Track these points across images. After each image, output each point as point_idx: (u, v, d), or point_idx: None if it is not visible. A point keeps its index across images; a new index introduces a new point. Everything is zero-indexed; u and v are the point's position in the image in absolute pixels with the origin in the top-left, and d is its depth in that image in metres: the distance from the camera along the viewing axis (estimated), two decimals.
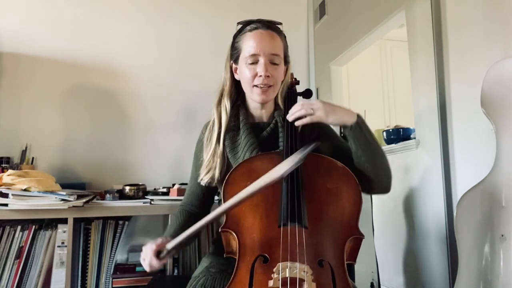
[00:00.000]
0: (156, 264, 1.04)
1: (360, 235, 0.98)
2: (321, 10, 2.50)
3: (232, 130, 1.21)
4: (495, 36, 1.49)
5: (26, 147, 1.90)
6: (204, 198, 1.29)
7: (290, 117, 1.11)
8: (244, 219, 0.98)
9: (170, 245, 1.01)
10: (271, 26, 1.18)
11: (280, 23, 1.22)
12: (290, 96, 1.26)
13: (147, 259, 1.05)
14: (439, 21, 1.73)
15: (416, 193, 1.87)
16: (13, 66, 1.96)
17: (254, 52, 1.14)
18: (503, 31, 1.46)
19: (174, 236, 1.04)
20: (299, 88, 1.35)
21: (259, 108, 1.23)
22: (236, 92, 1.25)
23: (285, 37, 1.22)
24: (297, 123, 1.10)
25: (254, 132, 1.19)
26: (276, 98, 1.25)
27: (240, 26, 1.21)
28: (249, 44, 1.15)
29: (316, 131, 1.22)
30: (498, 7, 1.49)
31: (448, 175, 1.66)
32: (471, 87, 1.54)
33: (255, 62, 1.14)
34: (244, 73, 1.17)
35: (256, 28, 1.16)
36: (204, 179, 1.19)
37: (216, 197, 1.71)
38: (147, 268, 1.06)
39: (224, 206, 0.92)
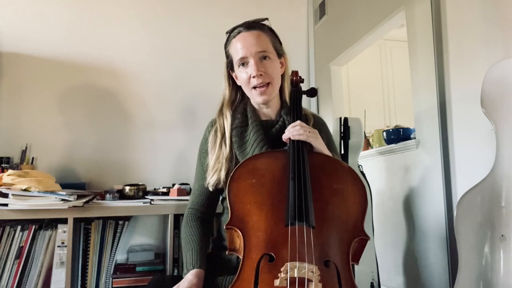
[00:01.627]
0: None
1: (366, 236, 0.98)
2: (321, 10, 2.50)
3: (240, 126, 1.21)
4: (495, 36, 1.49)
5: (26, 147, 1.90)
6: (212, 197, 1.28)
7: (294, 137, 1.11)
8: (249, 217, 0.98)
9: None
10: (252, 26, 1.19)
11: (266, 19, 1.23)
12: (296, 94, 1.27)
13: None
14: (439, 21, 1.73)
15: (416, 193, 1.87)
16: (13, 66, 1.95)
17: (242, 55, 1.16)
18: (503, 32, 1.46)
19: (199, 264, 1.10)
20: (303, 87, 1.36)
21: (265, 107, 1.24)
22: (240, 97, 1.28)
23: (271, 30, 1.23)
24: (293, 138, 1.12)
25: (263, 129, 1.20)
26: (282, 95, 1.25)
27: (227, 35, 1.23)
28: (236, 49, 1.18)
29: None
30: (498, 8, 1.49)
31: (448, 175, 1.66)
32: (471, 87, 1.54)
33: (246, 65, 1.17)
34: (241, 78, 1.20)
35: (239, 33, 1.18)
36: (210, 182, 1.20)
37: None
38: None
39: None
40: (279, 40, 1.25)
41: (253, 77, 1.15)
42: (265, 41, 1.18)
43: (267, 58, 1.17)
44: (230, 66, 1.24)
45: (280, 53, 1.23)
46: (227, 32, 1.23)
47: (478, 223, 1.29)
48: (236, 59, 1.18)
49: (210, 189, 1.22)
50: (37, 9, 2.02)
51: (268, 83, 1.17)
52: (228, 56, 1.23)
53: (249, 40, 1.16)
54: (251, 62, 1.15)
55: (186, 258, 1.14)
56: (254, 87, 1.17)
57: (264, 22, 1.22)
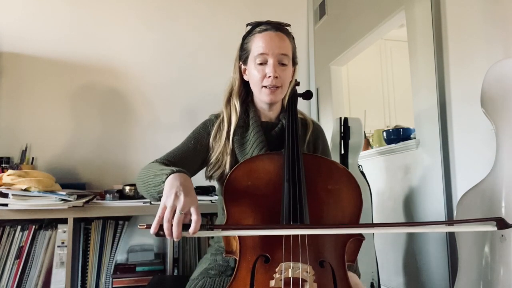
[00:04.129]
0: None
1: (361, 236, 0.98)
2: (321, 10, 2.50)
3: (241, 126, 1.21)
4: (495, 36, 1.49)
5: (26, 147, 1.90)
6: (192, 161, 1.19)
7: None
8: (245, 219, 0.98)
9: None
10: (280, 28, 1.18)
11: (289, 25, 1.22)
12: (291, 97, 1.27)
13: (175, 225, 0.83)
14: (439, 21, 1.73)
15: (416, 193, 1.87)
16: (13, 66, 1.95)
17: (263, 52, 1.15)
18: (503, 31, 1.46)
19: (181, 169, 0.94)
20: (299, 89, 1.36)
21: (267, 108, 1.24)
22: (245, 91, 1.26)
23: (293, 38, 1.23)
24: None
25: (263, 131, 1.20)
26: (283, 99, 1.25)
27: (249, 27, 1.22)
28: (258, 45, 1.16)
29: (312, 143, 1.26)
30: (498, 7, 1.49)
31: (448, 175, 1.66)
32: (471, 87, 1.54)
33: (264, 63, 1.15)
34: (253, 74, 1.18)
35: (265, 30, 1.17)
36: (214, 176, 1.19)
37: (208, 198, 1.72)
38: (157, 230, 0.84)
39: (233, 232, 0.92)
40: (296, 49, 1.25)
41: (269, 76, 1.15)
42: (288, 46, 1.18)
43: (285, 63, 1.17)
44: (243, 59, 1.21)
45: (295, 62, 1.23)
46: (249, 24, 1.22)
47: None
48: (255, 54, 1.16)
49: (211, 180, 1.20)
50: (37, 9, 2.02)
51: (278, 87, 1.17)
52: (245, 49, 1.20)
53: (274, 40, 1.15)
54: (270, 62, 1.14)
55: (157, 173, 0.97)
56: (265, 87, 1.16)
57: (288, 28, 1.22)
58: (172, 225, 0.83)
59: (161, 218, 0.84)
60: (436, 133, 1.70)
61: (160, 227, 0.83)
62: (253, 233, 0.91)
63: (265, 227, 0.92)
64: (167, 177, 0.92)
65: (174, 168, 0.95)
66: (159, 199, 0.93)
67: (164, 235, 0.83)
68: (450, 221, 0.84)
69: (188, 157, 1.18)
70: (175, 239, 0.83)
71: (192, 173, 1.18)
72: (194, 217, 0.84)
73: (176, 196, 0.86)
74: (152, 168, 1.04)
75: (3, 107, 1.92)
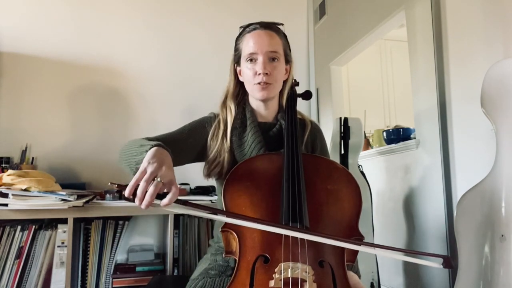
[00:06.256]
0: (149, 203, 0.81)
1: (360, 236, 0.99)
2: (321, 10, 2.50)
3: (239, 127, 1.21)
4: (495, 36, 1.49)
5: (26, 147, 1.90)
6: (183, 150, 1.17)
7: None
8: None
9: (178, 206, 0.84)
10: (269, 26, 1.20)
11: (281, 24, 1.24)
12: (290, 97, 1.27)
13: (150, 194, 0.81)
14: (439, 21, 1.73)
15: (416, 193, 1.87)
16: (13, 66, 1.95)
17: (252, 51, 1.16)
18: (503, 31, 1.46)
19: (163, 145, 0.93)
20: (299, 90, 1.36)
21: (263, 108, 1.24)
22: (242, 93, 1.27)
23: (285, 36, 1.24)
24: None
25: (261, 131, 1.20)
26: (280, 100, 1.26)
27: (241, 29, 1.24)
28: (248, 44, 1.17)
29: (310, 143, 1.27)
30: (498, 7, 1.49)
31: (448, 175, 1.66)
32: (471, 87, 1.54)
33: (254, 61, 1.16)
34: (245, 73, 1.19)
35: (254, 29, 1.19)
36: (212, 174, 1.20)
37: (208, 198, 1.72)
38: (133, 198, 0.82)
39: (227, 218, 0.93)
40: (289, 47, 1.26)
41: (259, 74, 1.15)
42: (278, 43, 1.19)
43: (276, 60, 1.17)
44: (237, 60, 1.23)
45: (288, 59, 1.24)
46: (241, 27, 1.24)
47: (478, 223, 1.30)
48: (245, 53, 1.18)
49: (209, 178, 1.21)
50: (37, 9, 2.02)
51: (270, 84, 1.17)
52: (237, 49, 1.23)
53: (263, 38, 1.17)
54: (260, 59, 1.15)
55: (143, 143, 0.96)
56: (257, 83, 1.17)
57: (279, 27, 1.23)
58: (147, 190, 0.82)
59: (139, 180, 0.83)
60: (436, 133, 1.70)
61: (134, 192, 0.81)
62: (240, 223, 0.91)
63: (256, 220, 0.92)
64: (151, 147, 0.92)
65: (161, 143, 0.96)
66: (134, 172, 0.90)
67: (134, 200, 0.82)
68: (399, 249, 0.84)
69: (177, 145, 1.15)
70: (143, 206, 0.82)
71: (176, 163, 1.10)
72: (173, 189, 0.85)
73: (159, 165, 0.87)
74: (139, 140, 1.04)
75: (3, 107, 1.92)
